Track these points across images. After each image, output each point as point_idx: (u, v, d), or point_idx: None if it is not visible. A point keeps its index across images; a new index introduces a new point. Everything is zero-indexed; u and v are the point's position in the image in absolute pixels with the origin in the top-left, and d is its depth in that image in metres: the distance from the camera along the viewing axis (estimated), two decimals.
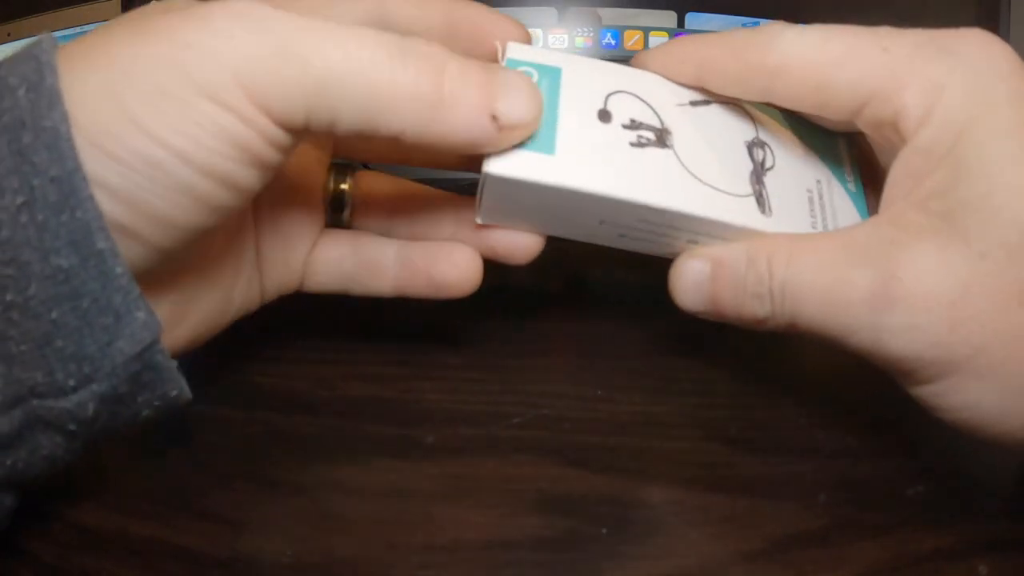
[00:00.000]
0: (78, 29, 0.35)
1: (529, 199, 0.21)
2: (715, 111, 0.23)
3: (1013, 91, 0.19)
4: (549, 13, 0.37)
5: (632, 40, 0.37)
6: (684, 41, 0.23)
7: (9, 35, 0.35)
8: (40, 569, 0.20)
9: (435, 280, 0.24)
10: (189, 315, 0.21)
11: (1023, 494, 0.23)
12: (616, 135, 0.21)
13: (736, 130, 0.23)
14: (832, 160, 0.24)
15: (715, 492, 0.23)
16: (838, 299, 0.19)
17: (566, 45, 0.37)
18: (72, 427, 0.17)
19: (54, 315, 0.16)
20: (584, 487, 0.23)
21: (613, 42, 0.37)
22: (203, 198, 0.18)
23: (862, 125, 0.21)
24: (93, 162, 0.16)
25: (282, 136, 0.18)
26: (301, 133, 0.18)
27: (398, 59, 0.18)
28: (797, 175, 0.23)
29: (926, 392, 0.20)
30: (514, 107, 0.19)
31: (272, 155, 0.18)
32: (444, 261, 0.24)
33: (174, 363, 0.18)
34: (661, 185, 0.21)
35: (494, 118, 0.19)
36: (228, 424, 0.25)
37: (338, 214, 0.26)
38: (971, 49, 0.20)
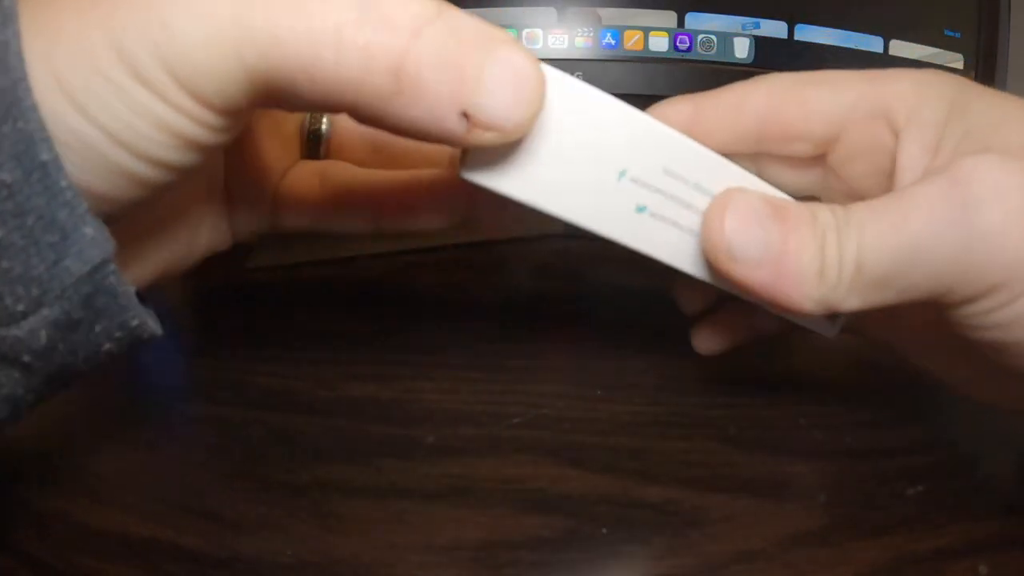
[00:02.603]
0: None
1: (536, 141, 0.18)
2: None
3: (968, 80, 0.21)
4: (549, 13, 0.37)
5: (632, 40, 0.37)
6: (671, 102, 0.23)
7: None
8: (40, 569, 0.20)
9: (415, 211, 0.23)
10: (147, 253, 0.21)
11: (1023, 494, 0.23)
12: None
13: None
14: None
15: (715, 492, 0.23)
16: (917, 216, 0.18)
17: (566, 45, 0.37)
18: (27, 358, 0.16)
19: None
20: (584, 487, 0.23)
21: (613, 42, 0.37)
22: (139, 178, 0.17)
23: (849, 132, 0.22)
24: None
25: (224, 121, 0.17)
26: (245, 114, 0.17)
27: (351, 26, 0.15)
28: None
29: (1013, 309, 0.18)
30: (500, 109, 0.16)
31: (215, 138, 0.17)
32: (426, 194, 0.23)
33: (130, 288, 0.17)
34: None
35: (464, 115, 0.16)
36: (228, 424, 0.25)
37: (313, 152, 0.25)
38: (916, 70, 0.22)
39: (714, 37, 0.37)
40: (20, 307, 0.16)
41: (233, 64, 0.15)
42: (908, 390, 0.28)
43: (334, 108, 0.16)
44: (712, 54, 0.37)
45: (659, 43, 0.37)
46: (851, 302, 0.19)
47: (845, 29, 0.37)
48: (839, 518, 0.22)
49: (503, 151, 0.17)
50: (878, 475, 0.24)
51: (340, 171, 0.25)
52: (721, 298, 0.26)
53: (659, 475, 0.23)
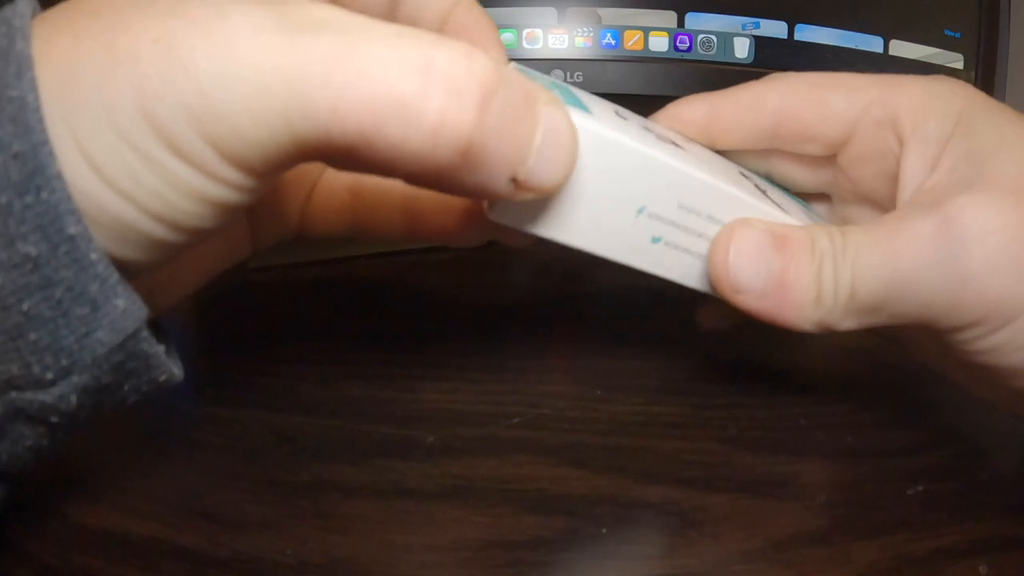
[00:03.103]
0: None
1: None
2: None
3: (977, 92, 0.22)
4: (549, 13, 0.37)
5: (632, 40, 0.37)
6: (686, 101, 0.23)
7: None
8: (40, 569, 0.20)
9: (447, 227, 0.23)
10: (172, 282, 0.21)
11: (1023, 494, 0.23)
12: (638, 130, 0.20)
13: (730, 165, 0.24)
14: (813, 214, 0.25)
15: (715, 492, 0.23)
16: (908, 252, 0.19)
17: (566, 45, 0.37)
18: (55, 419, 0.16)
19: (25, 307, 0.15)
20: (584, 487, 0.23)
21: (613, 42, 0.37)
22: (169, 245, 0.16)
23: (859, 135, 0.22)
24: None
25: (265, 181, 0.16)
26: (287, 170, 0.16)
27: (418, 96, 0.14)
28: (789, 199, 0.24)
29: (997, 338, 0.19)
30: (545, 172, 0.16)
31: (253, 197, 0.16)
32: (457, 210, 0.23)
33: (161, 348, 0.17)
34: (696, 166, 0.20)
35: (514, 180, 0.16)
36: (228, 424, 0.25)
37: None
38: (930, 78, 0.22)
39: (714, 37, 0.37)
40: (49, 375, 0.15)
41: (283, 132, 0.15)
42: (908, 390, 0.28)
43: (386, 174, 0.16)
44: (712, 54, 0.37)
45: (659, 43, 0.37)
46: (846, 324, 0.20)
47: (845, 29, 0.37)
48: (839, 518, 0.22)
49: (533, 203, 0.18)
50: (878, 475, 0.24)
51: (373, 185, 0.24)
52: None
53: (659, 475, 0.23)
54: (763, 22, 0.37)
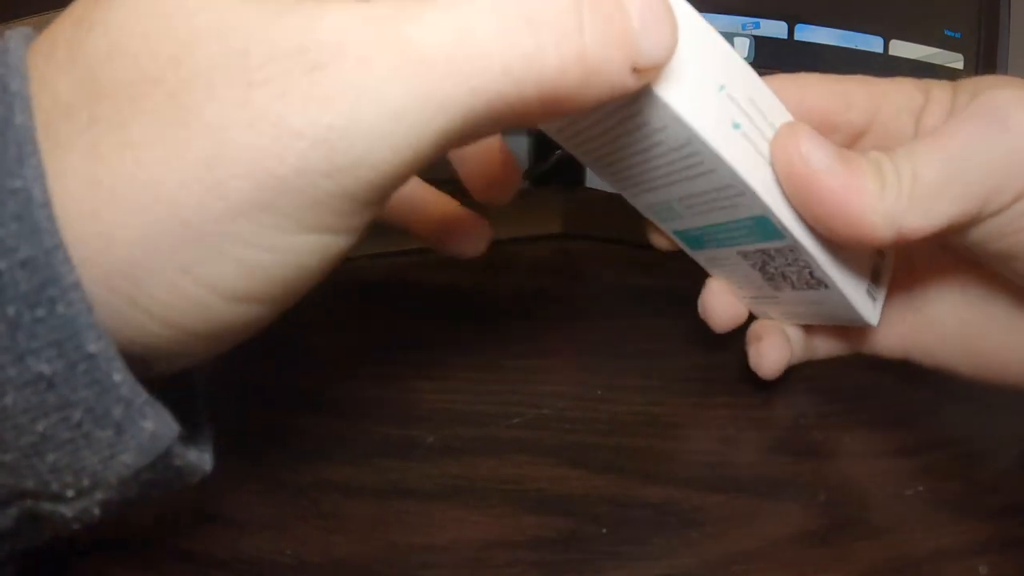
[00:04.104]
0: None
1: None
2: None
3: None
4: None
5: None
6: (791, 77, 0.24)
7: None
8: (40, 569, 0.20)
9: (445, 237, 0.25)
10: None
11: (1023, 494, 0.23)
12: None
13: None
14: None
15: (715, 492, 0.23)
16: (959, 134, 0.20)
17: None
18: (75, 526, 0.15)
19: (40, 427, 0.13)
20: (584, 487, 0.23)
21: None
22: (250, 318, 0.15)
23: (879, 123, 0.23)
24: (93, 284, 0.13)
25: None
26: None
27: (530, 29, 0.14)
28: None
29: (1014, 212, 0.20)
30: (656, 47, 0.15)
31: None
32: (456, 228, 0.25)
33: (193, 453, 0.16)
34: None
35: (635, 70, 0.15)
36: (228, 424, 0.25)
37: None
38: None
39: None
40: (69, 493, 0.14)
41: (425, 139, 0.14)
42: (908, 391, 0.28)
43: (526, 123, 0.16)
44: None
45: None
46: (913, 217, 0.19)
47: (845, 29, 0.37)
48: (839, 518, 0.22)
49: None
50: (878, 475, 0.24)
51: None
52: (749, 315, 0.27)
53: (659, 475, 0.23)
54: (763, 22, 0.37)
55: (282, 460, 0.24)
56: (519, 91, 0.14)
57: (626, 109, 0.19)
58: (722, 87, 0.19)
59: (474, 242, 0.25)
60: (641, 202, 0.24)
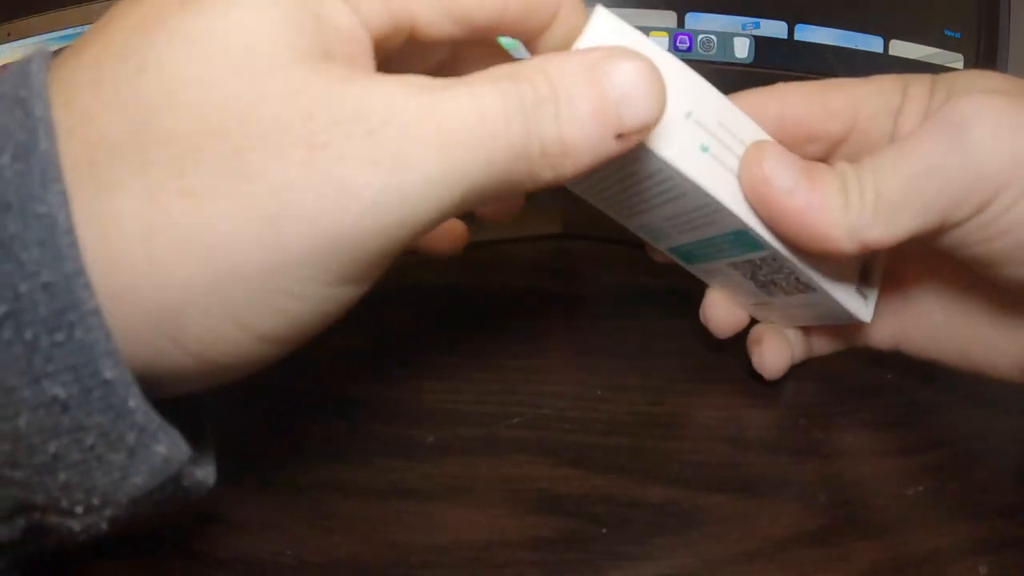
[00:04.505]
0: (82, 29, 0.35)
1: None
2: None
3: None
4: None
5: None
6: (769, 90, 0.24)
7: (9, 35, 0.35)
8: (40, 569, 0.20)
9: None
10: None
11: (1023, 494, 0.23)
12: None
13: None
14: None
15: (715, 492, 0.23)
16: (919, 149, 0.20)
17: None
18: (82, 537, 0.15)
19: (52, 448, 0.13)
20: (584, 487, 0.23)
21: None
22: (269, 355, 0.16)
23: (859, 128, 0.23)
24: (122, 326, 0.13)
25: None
26: None
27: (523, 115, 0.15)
28: None
29: (1010, 216, 0.20)
30: (638, 114, 0.16)
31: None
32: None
33: (201, 472, 0.16)
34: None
35: (620, 136, 0.16)
36: (229, 424, 0.25)
37: None
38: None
39: (714, 37, 0.37)
40: (79, 509, 0.14)
41: (453, 204, 0.15)
42: (908, 390, 0.28)
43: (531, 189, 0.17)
44: (712, 54, 0.37)
45: (659, 43, 0.37)
46: (876, 231, 0.20)
47: (845, 29, 0.37)
48: (839, 518, 0.22)
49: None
50: (878, 475, 0.24)
51: None
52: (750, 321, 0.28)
53: (659, 475, 0.23)
54: (763, 22, 0.37)
55: (282, 460, 0.24)
56: (518, 166, 0.15)
57: None
58: (689, 114, 0.20)
59: (451, 241, 0.25)
60: (633, 224, 0.25)
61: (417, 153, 0.14)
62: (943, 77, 0.22)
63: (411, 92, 0.15)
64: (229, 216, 0.13)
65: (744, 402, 0.27)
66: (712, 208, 0.21)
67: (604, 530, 0.21)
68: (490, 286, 0.36)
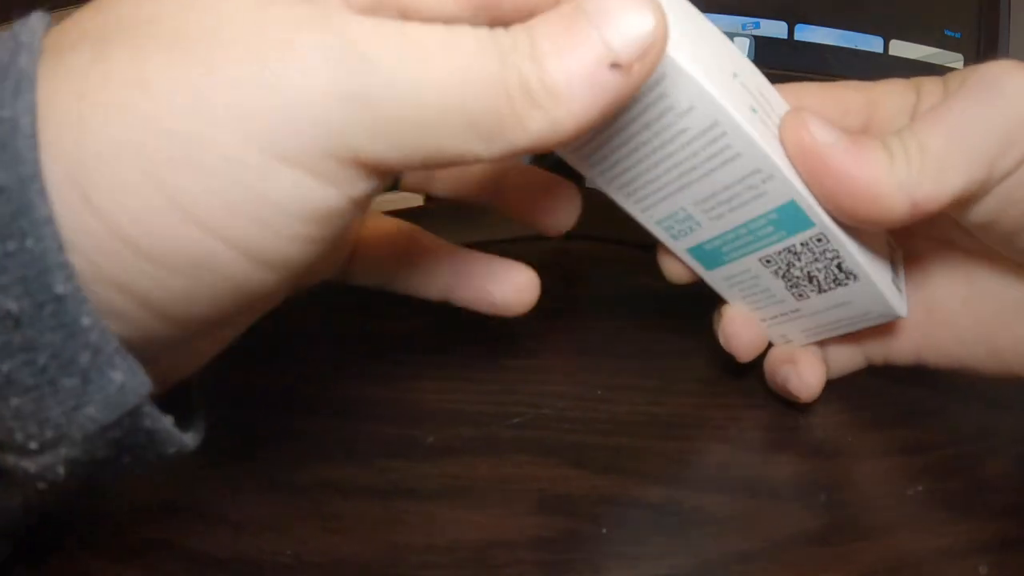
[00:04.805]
0: None
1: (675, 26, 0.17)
2: None
3: None
4: None
5: None
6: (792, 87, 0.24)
7: None
8: (40, 569, 0.20)
9: (492, 296, 0.24)
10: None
11: (1023, 494, 0.23)
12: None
13: None
14: None
15: (715, 492, 0.23)
16: (957, 105, 0.20)
17: None
18: (41, 486, 0.14)
19: (5, 368, 0.13)
20: (584, 487, 0.23)
21: None
22: (242, 283, 0.14)
23: (875, 125, 0.23)
24: (83, 232, 0.13)
25: (373, 186, 0.15)
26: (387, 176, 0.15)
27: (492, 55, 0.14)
28: None
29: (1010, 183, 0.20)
30: (629, 29, 0.15)
31: (356, 212, 0.15)
32: (503, 279, 0.24)
33: (168, 420, 0.15)
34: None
35: (615, 65, 0.15)
36: (228, 424, 0.25)
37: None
38: None
39: None
40: (33, 445, 0.14)
41: (397, 103, 0.14)
42: (908, 390, 0.28)
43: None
44: None
45: None
46: (927, 187, 0.19)
47: (845, 29, 0.37)
48: (839, 518, 0.22)
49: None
50: (878, 475, 0.24)
51: (419, 239, 0.25)
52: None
53: (659, 475, 0.23)
54: (763, 22, 0.37)
55: (282, 460, 0.24)
56: (500, 104, 0.14)
57: (646, 97, 0.19)
58: (735, 75, 0.20)
59: (565, 213, 0.24)
60: (654, 215, 0.23)
61: (389, 63, 0.14)
62: (954, 73, 0.22)
63: (390, 23, 0.14)
64: (170, 64, 0.13)
65: (744, 402, 0.27)
66: (765, 175, 0.20)
67: (604, 530, 0.21)
68: None
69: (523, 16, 0.17)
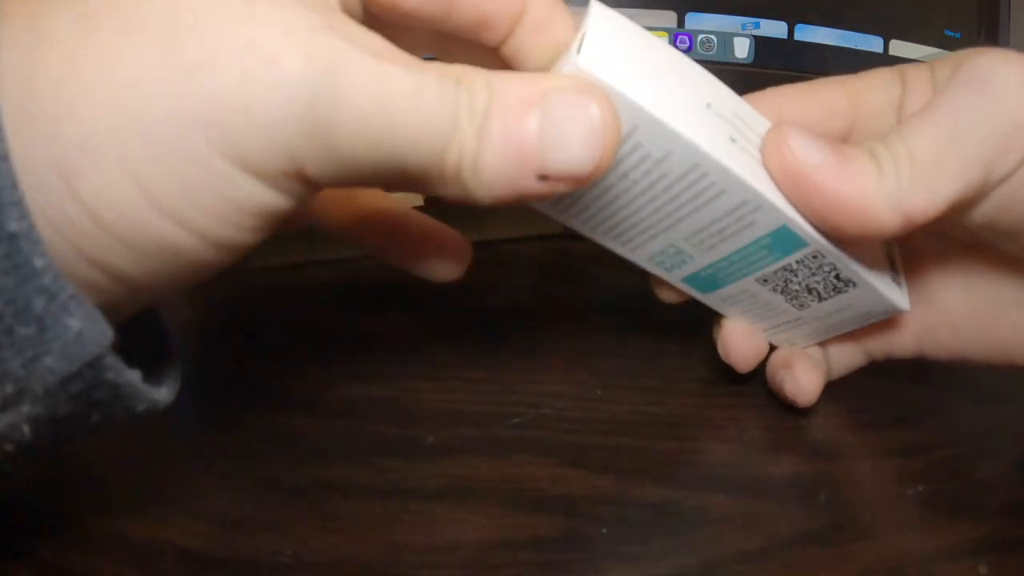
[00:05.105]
0: None
1: (636, 65, 0.18)
2: None
3: None
4: None
5: None
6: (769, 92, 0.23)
7: None
8: (40, 569, 0.20)
9: (420, 257, 0.23)
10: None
11: (1023, 494, 0.23)
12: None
13: None
14: None
15: (715, 492, 0.23)
16: (946, 106, 0.19)
17: None
18: (8, 447, 0.14)
19: None
20: (584, 487, 0.23)
21: None
22: (200, 263, 0.15)
23: (860, 123, 0.23)
24: (46, 199, 0.13)
25: (315, 192, 0.16)
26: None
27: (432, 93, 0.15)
28: None
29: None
30: (569, 158, 0.15)
31: (304, 205, 0.16)
32: (436, 239, 0.23)
33: (135, 374, 0.14)
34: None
35: (543, 177, 0.15)
36: (228, 424, 0.25)
37: None
38: None
39: (714, 37, 0.37)
40: None
41: (339, 120, 0.14)
42: (907, 391, 0.28)
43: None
44: (712, 54, 0.37)
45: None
46: (919, 198, 0.19)
47: (845, 29, 0.37)
48: (839, 518, 0.22)
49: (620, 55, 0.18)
50: (878, 475, 0.24)
51: (369, 195, 0.24)
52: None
53: (659, 475, 0.23)
54: (763, 22, 0.37)
55: (282, 460, 0.24)
56: (433, 163, 0.15)
57: (621, 149, 0.18)
58: (709, 105, 0.19)
59: (451, 265, 0.23)
60: (644, 254, 0.23)
61: (355, 76, 0.14)
62: (941, 61, 0.21)
63: (366, 32, 0.15)
64: (150, 53, 0.13)
65: (744, 402, 0.27)
66: (753, 205, 0.19)
67: (604, 530, 0.21)
68: (490, 286, 0.37)
69: (474, 18, 0.18)
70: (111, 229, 0.13)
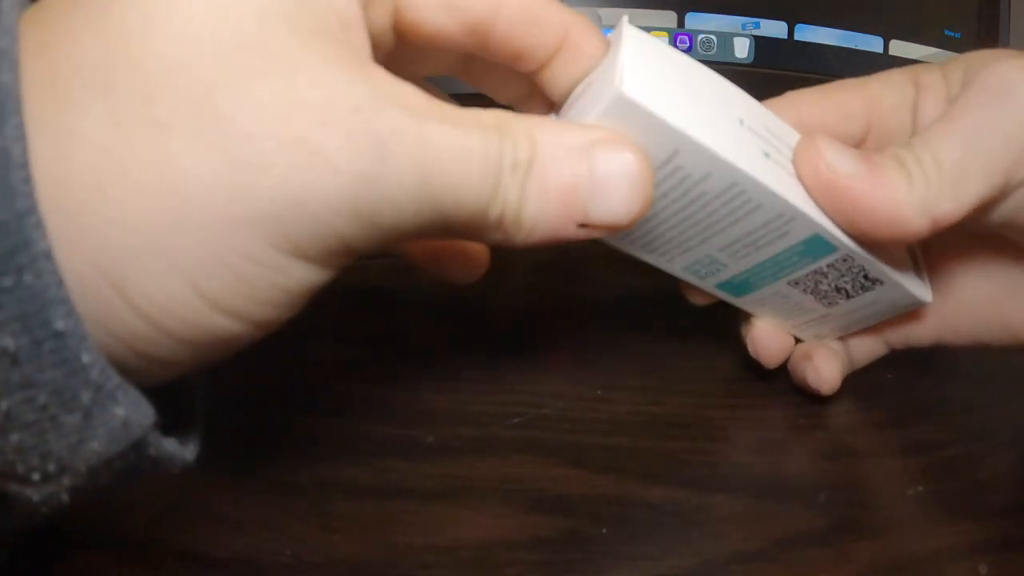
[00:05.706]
0: None
1: (672, 87, 0.18)
2: None
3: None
4: None
5: None
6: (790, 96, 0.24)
7: None
8: (40, 569, 0.20)
9: (440, 261, 0.23)
10: None
11: (1023, 494, 0.23)
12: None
13: None
14: None
15: (715, 492, 0.23)
16: (970, 115, 0.20)
17: None
18: (45, 511, 0.14)
19: (4, 406, 0.12)
20: (584, 487, 0.23)
21: None
22: (243, 343, 0.15)
23: (876, 125, 0.23)
24: (88, 296, 0.13)
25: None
26: None
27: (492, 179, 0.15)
28: None
29: None
30: (612, 209, 0.16)
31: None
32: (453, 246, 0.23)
33: (173, 444, 0.15)
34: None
35: (583, 225, 0.16)
36: (228, 424, 0.25)
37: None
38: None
39: (714, 37, 0.37)
40: (35, 476, 0.13)
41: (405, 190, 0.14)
42: (908, 390, 0.28)
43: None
44: (712, 54, 0.37)
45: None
46: (946, 204, 0.20)
47: (845, 29, 0.37)
48: (839, 518, 0.22)
49: (657, 79, 0.18)
50: (878, 475, 0.24)
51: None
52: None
53: (659, 475, 0.23)
54: (763, 22, 0.37)
55: (282, 460, 0.24)
56: (476, 219, 0.15)
57: (661, 171, 0.19)
58: (742, 121, 0.20)
59: (470, 269, 0.24)
60: (679, 265, 0.23)
61: (400, 152, 0.14)
62: (952, 62, 0.22)
63: (402, 88, 0.14)
64: (193, 152, 0.13)
65: (744, 402, 0.27)
66: (787, 217, 0.20)
67: (604, 530, 0.21)
68: (490, 286, 0.37)
69: (510, 50, 0.18)
70: (169, 331, 0.14)
